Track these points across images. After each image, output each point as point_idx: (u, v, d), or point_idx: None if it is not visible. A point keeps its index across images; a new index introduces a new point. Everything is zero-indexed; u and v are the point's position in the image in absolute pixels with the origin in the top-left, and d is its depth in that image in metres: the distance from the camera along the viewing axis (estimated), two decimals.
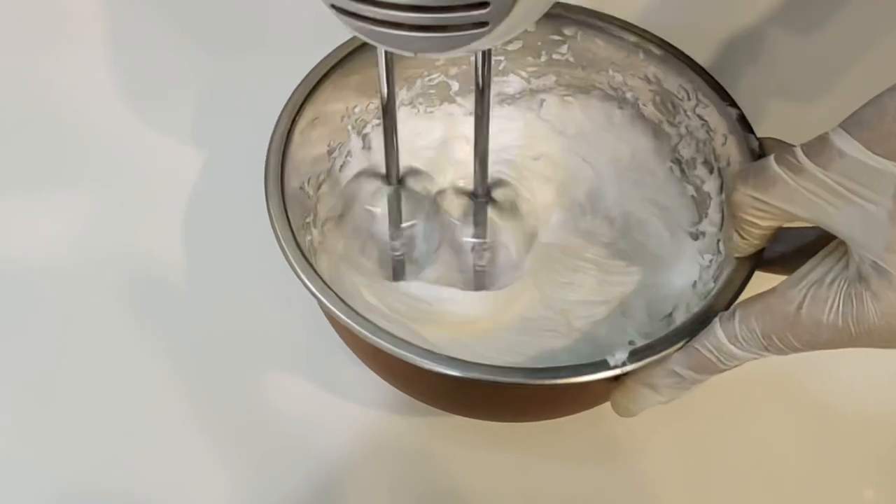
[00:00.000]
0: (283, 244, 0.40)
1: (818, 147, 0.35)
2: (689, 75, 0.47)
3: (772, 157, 0.36)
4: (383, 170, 0.44)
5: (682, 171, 0.50)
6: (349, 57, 0.46)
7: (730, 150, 0.45)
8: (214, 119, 0.56)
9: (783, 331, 0.36)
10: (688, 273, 0.48)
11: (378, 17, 0.30)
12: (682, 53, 0.47)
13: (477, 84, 0.38)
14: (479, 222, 0.44)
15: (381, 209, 0.45)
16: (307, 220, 0.46)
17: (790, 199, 0.36)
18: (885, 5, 0.56)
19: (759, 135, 0.44)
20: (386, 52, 0.38)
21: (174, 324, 0.50)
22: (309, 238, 0.46)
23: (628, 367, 0.38)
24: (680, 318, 0.46)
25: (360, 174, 0.45)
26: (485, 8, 0.29)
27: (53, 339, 0.50)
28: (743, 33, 0.58)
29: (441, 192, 0.46)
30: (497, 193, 0.45)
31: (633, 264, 0.49)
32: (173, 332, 0.50)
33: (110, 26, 0.59)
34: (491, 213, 0.44)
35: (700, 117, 0.47)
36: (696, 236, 0.48)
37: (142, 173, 0.54)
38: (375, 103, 0.48)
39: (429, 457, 0.48)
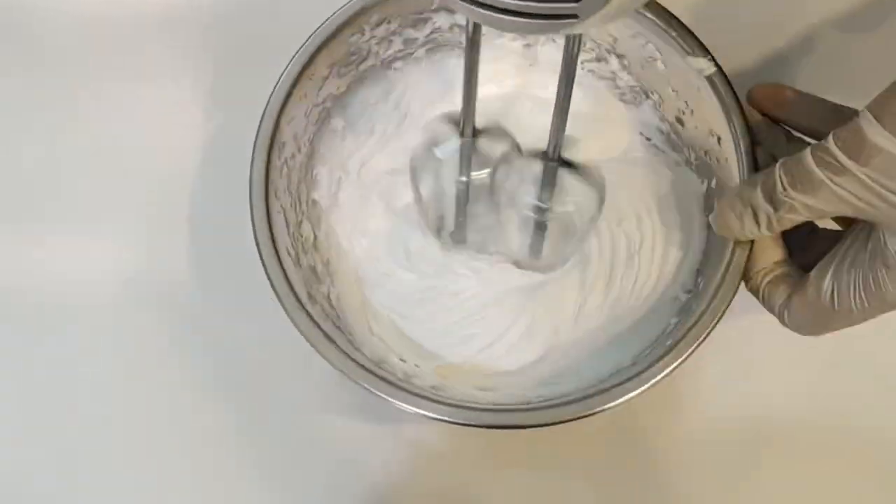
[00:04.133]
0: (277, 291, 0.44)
1: (854, 143, 0.35)
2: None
3: (810, 158, 0.37)
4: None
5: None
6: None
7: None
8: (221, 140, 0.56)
9: (826, 321, 0.40)
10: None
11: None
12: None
13: (565, 58, 0.38)
14: (547, 185, 0.45)
15: (450, 157, 0.45)
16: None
17: (833, 202, 0.37)
18: None
19: None
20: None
21: (197, 354, 0.52)
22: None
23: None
24: None
25: (440, 118, 0.46)
26: (576, 1, 0.30)
27: (81, 370, 0.52)
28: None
29: (511, 152, 0.46)
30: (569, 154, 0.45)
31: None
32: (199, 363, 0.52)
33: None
34: (562, 176, 0.45)
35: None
36: None
37: (152, 196, 0.55)
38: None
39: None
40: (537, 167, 0.44)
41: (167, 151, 0.55)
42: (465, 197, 0.47)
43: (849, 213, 0.37)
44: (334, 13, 0.48)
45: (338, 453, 0.50)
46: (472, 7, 0.31)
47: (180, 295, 0.52)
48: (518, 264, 0.50)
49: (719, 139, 0.47)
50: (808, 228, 0.43)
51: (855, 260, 0.38)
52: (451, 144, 0.45)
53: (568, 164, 0.44)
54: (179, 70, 0.57)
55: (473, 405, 0.42)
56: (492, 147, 0.45)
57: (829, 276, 0.39)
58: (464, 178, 0.46)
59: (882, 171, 0.35)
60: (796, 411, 0.51)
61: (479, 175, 0.45)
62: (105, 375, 0.51)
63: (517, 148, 0.45)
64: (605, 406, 0.42)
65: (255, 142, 0.47)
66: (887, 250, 0.36)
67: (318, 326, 0.43)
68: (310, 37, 0.48)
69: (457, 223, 0.49)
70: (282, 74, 0.47)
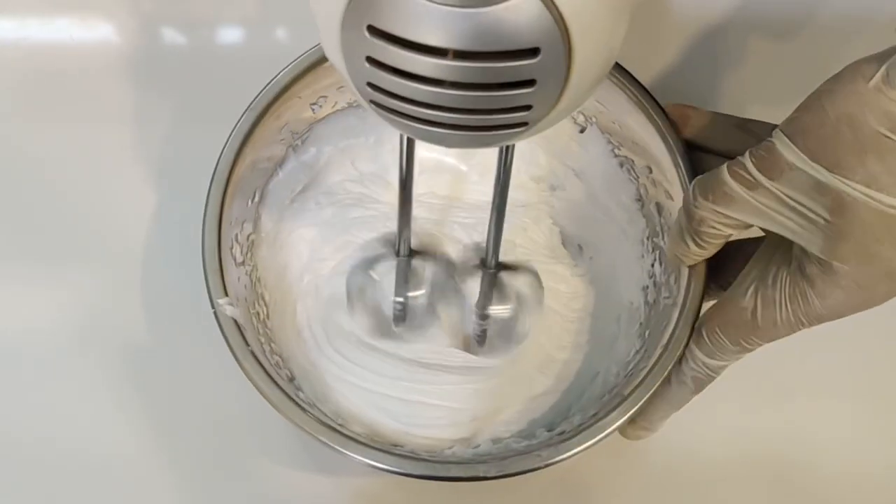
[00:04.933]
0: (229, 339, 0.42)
1: (767, 160, 0.36)
2: None
3: (725, 171, 0.38)
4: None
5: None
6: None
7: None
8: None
9: (747, 335, 0.39)
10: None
11: (419, 115, 0.31)
12: None
13: (498, 174, 0.39)
14: (486, 292, 0.46)
15: (386, 279, 0.46)
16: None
17: (748, 213, 0.38)
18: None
19: None
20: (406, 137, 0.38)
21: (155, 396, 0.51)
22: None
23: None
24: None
25: (376, 239, 0.46)
26: (527, 110, 0.30)
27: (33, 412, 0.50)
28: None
29: (448, 261, 0.47)
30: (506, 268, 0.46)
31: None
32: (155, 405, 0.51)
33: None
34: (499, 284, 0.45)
35: None
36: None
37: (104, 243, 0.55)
38: None
39: None
40: (474, 279, 0.44)
41: (119, 197, 0.55)
42: (402, 315, 0.46)
43: (767, 226, 0.38)
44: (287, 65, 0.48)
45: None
46: (416, 125, 0.31)
47: (131, 344, 0.52)
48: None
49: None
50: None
51: (777, 276, 0.38)
52: (387, 265, 0.44)
53: (505, 267, 0.44)
54: (133, 114, 0.57)
55: (430, 458, 0.42)
56: (426, 266, 0.45)
57: (749, 293, 0.39)
58: (400, 299, 0.45)
59: (796, 187, 0.36)
60: (741, 446, 0.52)
61: (416, 294, 0.45)
62: (52, 426, 0.50)
63: (451, 264, 0.45)
64: (557, 458, 0.42)
65: (210, 188, 0.46)
66: (810, 266, 0.36)
67: (271, 378, 0.42)
68: (259, 93, 0.47)
69: (394, 334, 0.49)
70: (233, 128, 0.47)
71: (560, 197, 0.54)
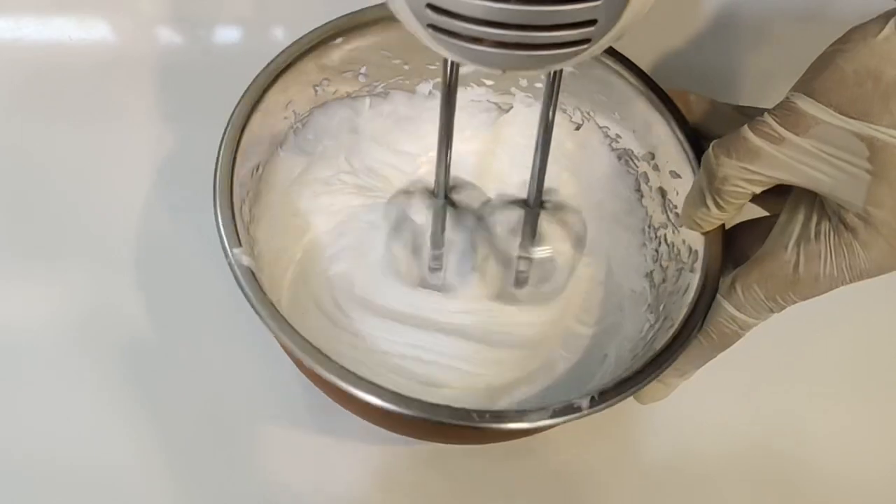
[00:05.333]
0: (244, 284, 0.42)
1: (791, 117, 0.37)
2: None
3: (747, 129, 0.38)
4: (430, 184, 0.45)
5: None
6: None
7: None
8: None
9: (786, 291, 0.39)
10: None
11: (482, 35, 0.30)
12: None
13: (545, 106, 0.39)
14: (528, 233, 0.45)
15: (426, 221, 0.45)
16: None
17: (776, 167, 0.38)
18: None
19: None
20: (451, 67, 0.38)
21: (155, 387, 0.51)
22: None
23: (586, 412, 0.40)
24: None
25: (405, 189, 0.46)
26: (592, 26, 0.30)
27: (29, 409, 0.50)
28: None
29: (487, 203, 0.47)
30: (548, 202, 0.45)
31: None
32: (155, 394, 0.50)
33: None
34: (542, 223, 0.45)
35: None
36: None
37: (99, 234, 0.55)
38: None
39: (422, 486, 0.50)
40: (515, 217, 0.44)
41: (117, 196, 0.55)
42: (438, 265, 0.47)
43: (796, 180, 0.38)
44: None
45: (303, 475, 0.49)
46: (477, 47, 0.31)
47: (129, 340, 0.52)
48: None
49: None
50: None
51: (819, 229, 0.38)
52: (427, 207, 0.45)
53: (546, 208, 0.44)
54: (131, 114, 0.57)
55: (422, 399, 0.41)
56: (467, 203, 0.45)
57: (791, 247, 0.39)
58: (438, 251, 0.46)
59: (825, 140, 0.36)
60: (737, 442, 0.52)
61: (455, 234, 0.46)
62: (49, 424, 0.50)
63: (490, 202, 0.46)
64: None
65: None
66: (850, 217, 0.37)
67: (289, 324, 0.41)
68: (259, 73, 0.47)
69: (432, 276, 0.49)
70: (232, 113, 0.46)
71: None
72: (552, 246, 0.46)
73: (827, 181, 0.37)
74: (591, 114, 0.53)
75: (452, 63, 0.38)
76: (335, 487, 0.49)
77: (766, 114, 0.38)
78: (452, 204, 0.45)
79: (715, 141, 0.41)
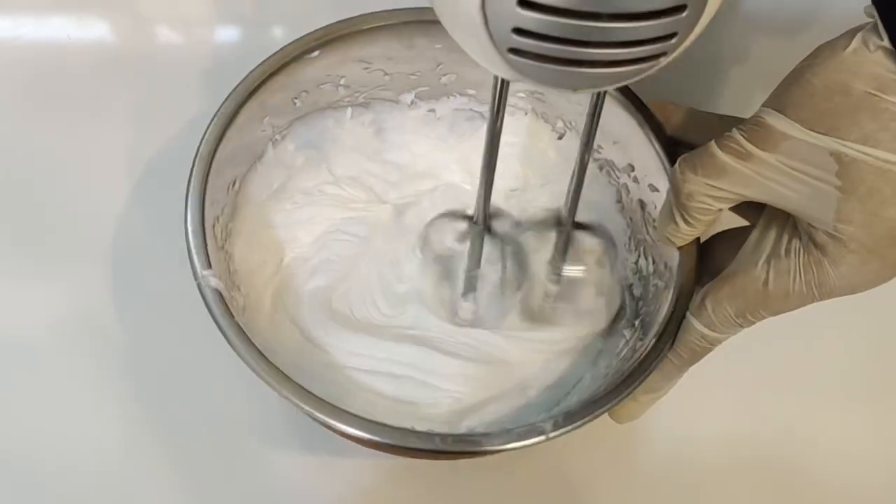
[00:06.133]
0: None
1: (760, 133, 0.37)
2: None
3: (714, 145, 0.38)
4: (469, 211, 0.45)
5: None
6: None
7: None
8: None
9: (755, 308, 0.39)
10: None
11: (567, 56, 0.30)
12: None
13: (588, 118, 0.39)
14: (561, 251, 0.45)
15: (463, 249, 0.45)
16: None
17: (742, 184, 0.37)
18: None
19: None
20: (501, 88, 0.37)
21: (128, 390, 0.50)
22: None
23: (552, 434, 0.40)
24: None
25: (443, 214, 0.46)
26: (672, 39, 0.30)
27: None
28: None
29: (517, 230, 0.46)
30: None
31: None
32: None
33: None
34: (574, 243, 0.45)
35: None
36: None
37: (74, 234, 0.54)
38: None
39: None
40: (549, 238, 0.44)
41: (114, 196, 0.55)
42: (473, 284, 0.46)
43: (762, 196, 0.38)
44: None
45: (281, 488, 0.49)
46: (561, 67, 0.30)
47: (114, 340, 0.51)
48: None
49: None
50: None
51: (790, 246, 0.38)
52: (464, 234, 0.45)
53: (580, 226, 0.45)
54: (129, 114, 0.57)
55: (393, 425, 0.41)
56: (499, 229, 0.45)
57: (761, 263, 0.39)
58: (474, 272, 0.46)
59: (793, 156, 0.36)
60: (733, 446, 0.52)
61: (490, 269, 0.46)
62: (36, 422, 0.49)
63: (520, 225, 0.46)
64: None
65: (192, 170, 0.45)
66: (819, 234, 0.37)
67: (255, 346, 0.41)
68: (246, 76, 0.47)
69: (464, 307, 0.49)
70: (215, 115, 0.46)
71: (530, 205, 0.55)
72: (582, 266, 0.47)
73: (795, 198, 0.37)
74: (572, 123, 0.53)
75: (503, 84, 0.37)
76: (315, 501, 0.49)
77: (734, 129, 0.38)
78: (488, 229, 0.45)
79: (683, 156, 0.40)
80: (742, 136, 0.37)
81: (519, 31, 0.30)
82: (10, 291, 0.53)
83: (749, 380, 0.53)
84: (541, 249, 0.47)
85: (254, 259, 0.50)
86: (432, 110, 0.55)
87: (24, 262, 0.53)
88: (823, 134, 0.35)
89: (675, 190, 0.40)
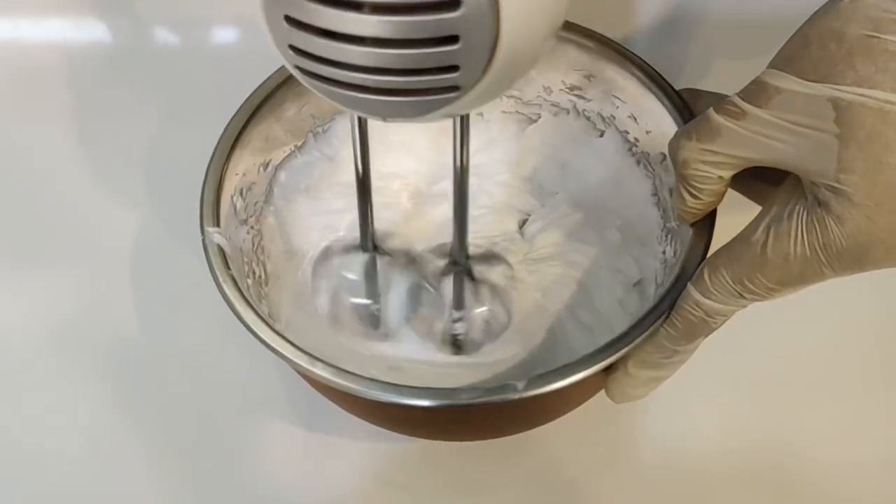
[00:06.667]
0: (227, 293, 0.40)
1: (755, 90, 0.35)
2: None
3: (711, 110, 0.36)
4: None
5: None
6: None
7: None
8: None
9: (752, 273, 0.36)
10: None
11: (344, 79, 0.29)
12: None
13: (454, 157, 0.37)
14: (458, 292, 0.44)
15: (357, 276, 0.44)
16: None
17: (737, 144, 0.36)
18: None
19: None
20: (359, 118, 0.37)
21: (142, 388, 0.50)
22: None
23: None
24: None
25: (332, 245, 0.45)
26: (455, 72, 0.28)
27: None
28: None
29: (418, 257, 0.45)
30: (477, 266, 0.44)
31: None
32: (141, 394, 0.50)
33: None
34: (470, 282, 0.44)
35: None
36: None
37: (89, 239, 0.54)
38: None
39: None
40: (447, 283, 0.43)
41: (111, 196, 0.54)
42: (372, 317, 0.46)
43: (761, 156, 0.36)
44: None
45: (292, 473, 0.48)
46: (343, 91, 0.29)
47: (121, 341, 0.51)
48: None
49: None
50: None
51: (793, 210, 0.36)
52: (356, 262, 0.44)
53: (476, 260, 0.43)
54: (126, 115, 0.56)
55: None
56: (396, 266, 0.44)
57: (761, 228, 0.36)
58: (368, 302, 0.45)
59: (788, 109, 0.34)
60: (731, 444, 0.50)
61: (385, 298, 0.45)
62: (42, 420, 0.49)
63: (418, 259, 0.45)
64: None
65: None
66: (821, 191, 0.34)
67: (248, 303, 0.40)
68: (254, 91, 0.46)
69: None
70: (230, 121, 0.45)
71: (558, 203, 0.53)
72: (486, 305, 0.45)
73: (793, 153, 0.34)
74: (613, 118, 0.51)
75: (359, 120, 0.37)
76: (325, 484, 0.49)
77: (734, 93, 0.37)
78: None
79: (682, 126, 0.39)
80: (739, 96, 0.36)
81: (294, 49, 0.29)
82: (13, 292, 0.53)
83: (748, 380, 0.51)
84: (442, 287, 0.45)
85: (283, 242, 0.50)
86: (480, 114, 0.53)
87: (24, 264, 0.54)
88: (818, 82, 0.33)
89: (673, 160, 0.39)
